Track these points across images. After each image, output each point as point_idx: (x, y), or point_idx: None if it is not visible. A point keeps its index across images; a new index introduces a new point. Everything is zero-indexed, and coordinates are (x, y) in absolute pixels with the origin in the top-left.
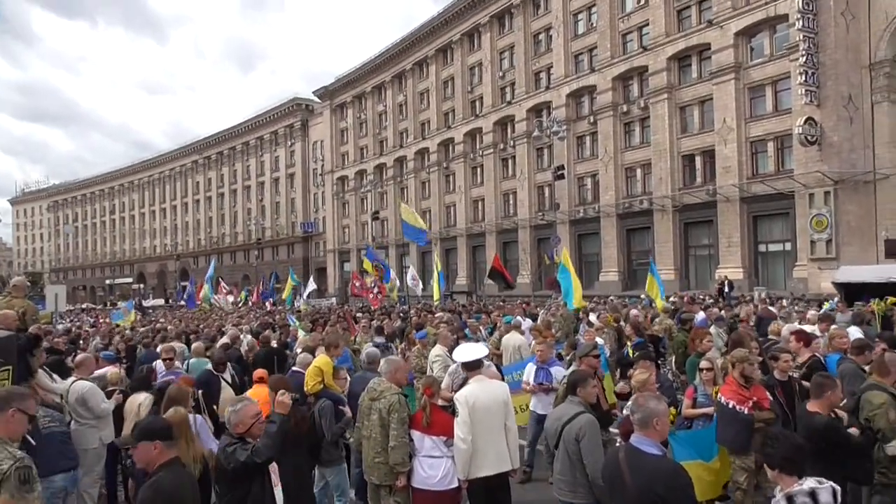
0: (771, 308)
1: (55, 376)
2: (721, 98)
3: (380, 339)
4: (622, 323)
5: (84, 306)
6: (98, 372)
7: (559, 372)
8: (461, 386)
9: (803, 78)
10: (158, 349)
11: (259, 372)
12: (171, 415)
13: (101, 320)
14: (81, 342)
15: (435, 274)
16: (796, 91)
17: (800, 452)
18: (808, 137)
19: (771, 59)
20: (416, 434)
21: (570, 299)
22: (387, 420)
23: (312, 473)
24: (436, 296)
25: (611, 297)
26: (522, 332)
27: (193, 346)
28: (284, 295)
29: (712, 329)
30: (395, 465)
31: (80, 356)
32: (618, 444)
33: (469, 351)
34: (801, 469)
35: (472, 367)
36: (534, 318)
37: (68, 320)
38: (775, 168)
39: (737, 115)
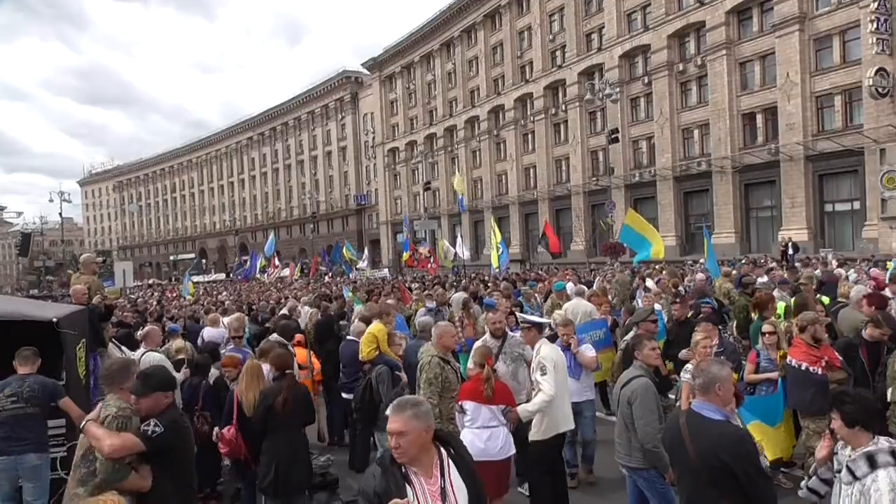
0: (837, 271)
1: (124, 348)
2: (784, 51)
3: (431, 305)
4: (681, 288)
5: (150, 282)
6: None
7: (589, 349)
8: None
9: (874, 26)
10: (223, 322)
11: (298, 337)
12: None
13: (168, 294)
14: (149, 316)
15: (493, 242)
16: (866, 40)
17: (877, 410)
18: (880, 89)
19: (839, 7)
20: (471, 405)
21: (647, 251)
22: (419, 380)
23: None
24: (494, 264)
25: (664, 262)
26: (570, 298)
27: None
28: (347, 259)
29: (776, 293)
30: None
31: (146, 328)
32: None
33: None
34: (876, 427)
35: (540, 329)
36: (588, 284)
37: (137, 295)
38: (843, 123)
39: (801, 68)
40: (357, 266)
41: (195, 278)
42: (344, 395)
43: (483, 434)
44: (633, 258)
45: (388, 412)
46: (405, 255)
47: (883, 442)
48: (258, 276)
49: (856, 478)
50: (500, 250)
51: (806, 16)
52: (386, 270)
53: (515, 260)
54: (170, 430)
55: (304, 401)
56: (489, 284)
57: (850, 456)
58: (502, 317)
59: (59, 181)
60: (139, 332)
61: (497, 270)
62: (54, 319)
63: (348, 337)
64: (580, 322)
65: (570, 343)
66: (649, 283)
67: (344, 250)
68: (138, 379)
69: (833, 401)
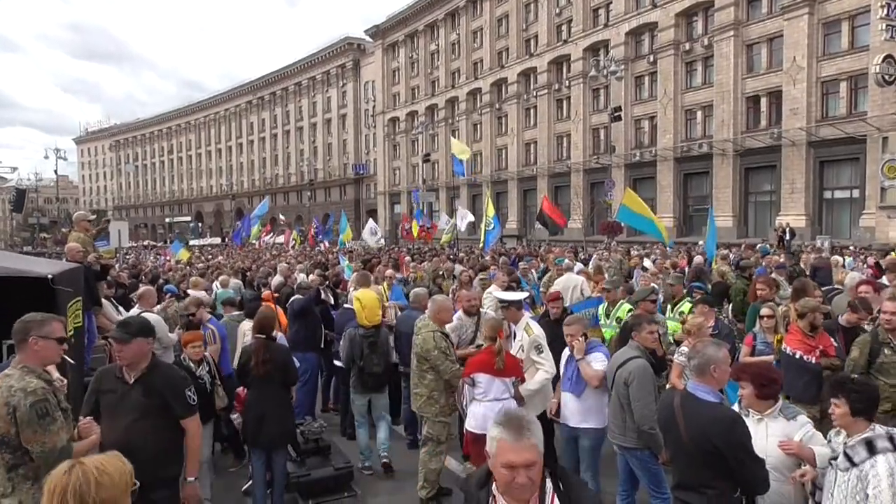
0: (828, 256)
1: (121, 308)
2: (792, 34)
3: (399, 276)
4: (677, 270)
5: (145, 243)
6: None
7: (600, 361)
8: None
9: (885, 12)
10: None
11: (266, 294)
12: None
13: (164, 256)
14: (142, 277)
15: (485, 219)
16: (876, 26)
17: (877, 398)
18: (886, 77)
19: None
20: (483, 377)
21: (654, 230)
22: (422, 355)
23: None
24: (481, 239)
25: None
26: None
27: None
28: (344, 237)
29: (773, 276)
30: (451, 393)
31: (141, 289)
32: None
33: (514, 294)
34: (873, 415)
35: (519, 307)
36: (585, 262)
37: (132, 255)
38: (847, 110)
39: (808, 52)
40: (360, 239)
41: (192, 242)
42: (341, 364)
43: (495, 407)
44: (642, 229)
45: (498, 434)
46: (415, 226)
47: (879, 429)
48: (252, 241)
49: (853, 464)
50: (492, 226)
51: None
52: (383, 240)
53: (512, 235)
54: (187, 380)
55: (281, 361)
56: (487, 259)
57: (845, 443)
58: (476, 294)
59: (54, 138)
60: (134, 294)
61: (481, 247)
62: (50, 276)
63: (345, 305)
64: (572, 299)
65: (575, 347)
66: (647, 262)
67: (342, 222)
68: (119, 326)
69: (838, 387)
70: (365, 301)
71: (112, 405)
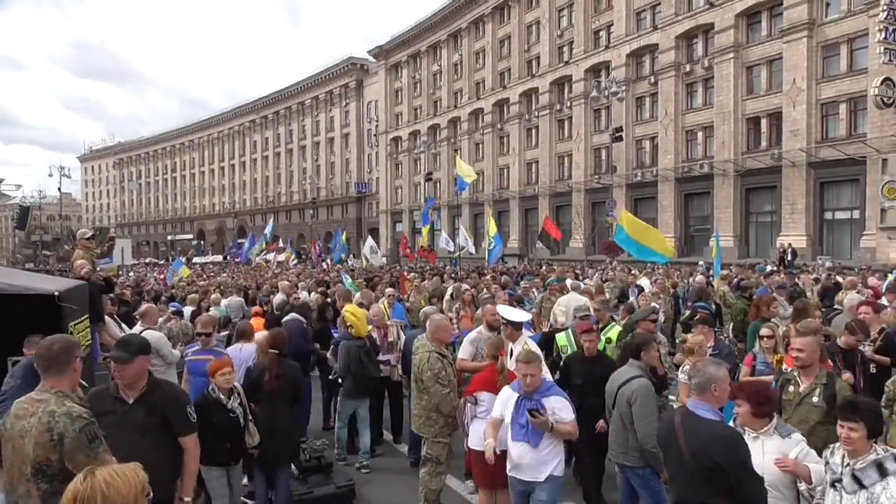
0: (838, 279)
1: (124, 326)
2: (791, 57)
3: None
4: (678, 289)
5: (147, 261)
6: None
7: (565, 407)
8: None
9: (883, 35)
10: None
11: (256, 308)
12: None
13: (161, 274)
14: (145, 294)
15: (487, 238)
16: (874, 49)
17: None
18: (885, 99)
19: (848, 15)
20: (486, 396)
21: (653, 256)
22: (419, 375)
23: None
24: (486, 258)
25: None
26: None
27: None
28: (342, 256)
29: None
30: (448, 416)
31: (143, 307)
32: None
33: (517, 313)
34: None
35: (518, 327)
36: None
37: (135, 273)
38: (847, 132)
39: (807, 75)
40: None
41: (196, 260)
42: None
43: None
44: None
45: None
46: (424, 236)
47: (881, 450)
48: (256, 259)
49: (862, 486)
50: (493, 244)
51: (815, 22)
52: (384, 259)
53: (513, 255)
54: (187, 396)
55: (293, 376)
56: (488, 277)
57: (848, 464)
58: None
59: (57, 155)
60: (137, 311)
61: (485, 263)
62: (56, 293)
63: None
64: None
65: (530, 386)
66: (642, 281)
67: (342, 239)
68: (119, 346)
69: (854, 411)
70: (359, 315)
71: (112, 426)
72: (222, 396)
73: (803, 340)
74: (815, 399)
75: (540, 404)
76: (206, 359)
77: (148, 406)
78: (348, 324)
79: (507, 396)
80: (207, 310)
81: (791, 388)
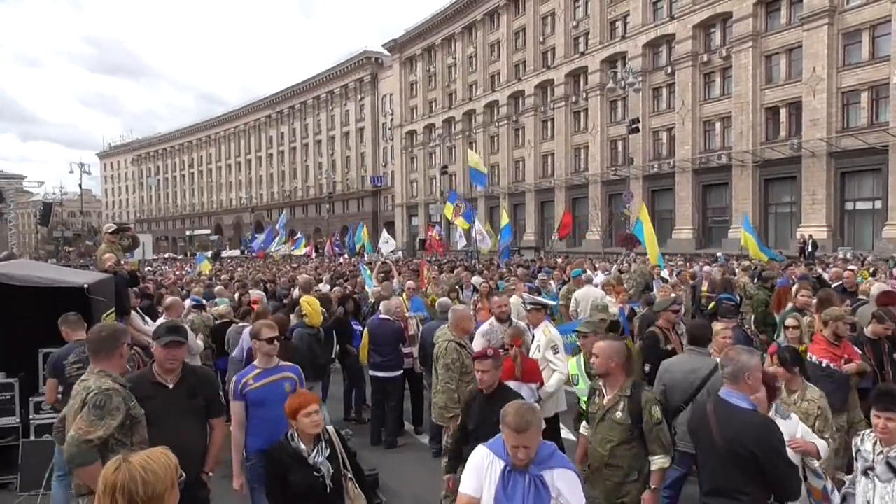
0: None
1: (147, 319)
2: (811, 45)
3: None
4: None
5: (166, 256)
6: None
7: (567, 484)
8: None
9: None
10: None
11: (255, 297)
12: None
13: (181, 269)
14: (165, 290)
15: (500, 225)
16: None
17: None
18: None
19: (869, 2)
20: (511, 384)
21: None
22: (435, 364)
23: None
24: (491, 246)
25: (677, 255)
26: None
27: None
28: (358, 248)
29: (795, 288)
30: (441, 409)
31: (168, 299)
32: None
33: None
34: None
35: (543, 309)
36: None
37: (156, 268)
38: (868, 120)
39: (828, 63)
40: (378, 251)
41: (224, 254)
42: (377, 374)
43: None
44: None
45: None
46: (462, 227)
47: None
48: (273, 251)
49: None
50: (501, 237)
51: (836, 9)
52: (400, 253)
53: (530, 247)
54: (217, 379)
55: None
56: (504, 270)
57: (880, 452)
58: (506, 301)
59: (76, 152)
60: (161, 304)
61: (495, 252)
62: (85, 286)
63: (381, 316)
64: (585, 311)
65: (522, 461)
66: (665, 272)
67: (363, 233)
68: (173, 332)
69: (890, 400)
70: (314, 305)
71: (156, 410)
72: (303, 447)
73: (599, 345)
74: (618, 414)
75: (540, 480)
76: (280, 380)
77: (188, 389)
78: (303, 312)
79: (486, 463)
80: (249, 305)
81: (597, 400)
